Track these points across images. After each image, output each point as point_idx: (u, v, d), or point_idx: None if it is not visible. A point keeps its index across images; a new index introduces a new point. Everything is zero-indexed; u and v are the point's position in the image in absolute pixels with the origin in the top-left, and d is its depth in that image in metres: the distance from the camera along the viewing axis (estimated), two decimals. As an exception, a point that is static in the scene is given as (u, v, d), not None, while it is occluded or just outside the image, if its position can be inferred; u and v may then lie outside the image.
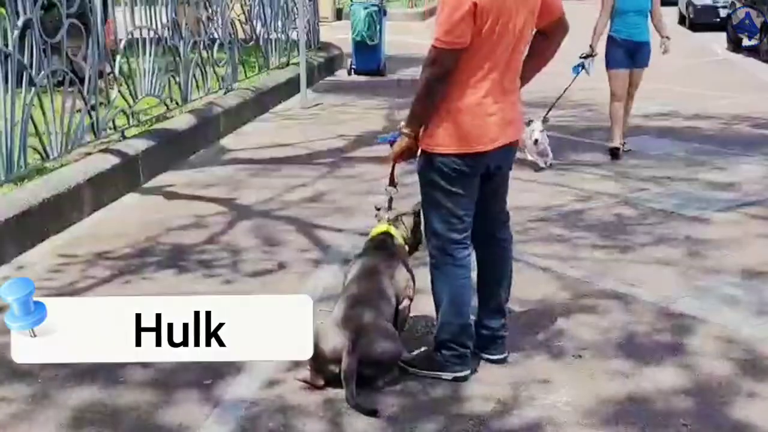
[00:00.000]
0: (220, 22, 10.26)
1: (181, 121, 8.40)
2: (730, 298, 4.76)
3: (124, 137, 7.51)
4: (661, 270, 5.19)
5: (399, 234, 4.19)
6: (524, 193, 6.86)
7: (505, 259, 4.07)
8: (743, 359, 4.06)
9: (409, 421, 3.54)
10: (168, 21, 8.57)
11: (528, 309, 4.61)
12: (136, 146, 7.30)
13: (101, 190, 6.53)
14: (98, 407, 3.65)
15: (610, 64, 8.11)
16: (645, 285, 4.94)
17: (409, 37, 18.93)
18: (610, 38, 8.09)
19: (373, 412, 3.55)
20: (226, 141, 9.00)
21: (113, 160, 6.87)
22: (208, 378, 3.85)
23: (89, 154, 6.91)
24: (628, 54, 8.05)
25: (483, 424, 3.52)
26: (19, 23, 5.99)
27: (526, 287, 4.88)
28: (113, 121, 7.50)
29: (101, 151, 7.03)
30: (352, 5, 14.32)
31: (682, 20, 22.45)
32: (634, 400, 3.70)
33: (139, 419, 3.57)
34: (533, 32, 3.76)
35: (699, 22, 20.81)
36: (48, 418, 3.57)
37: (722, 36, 17.57)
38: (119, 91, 7.64)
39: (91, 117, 7.08)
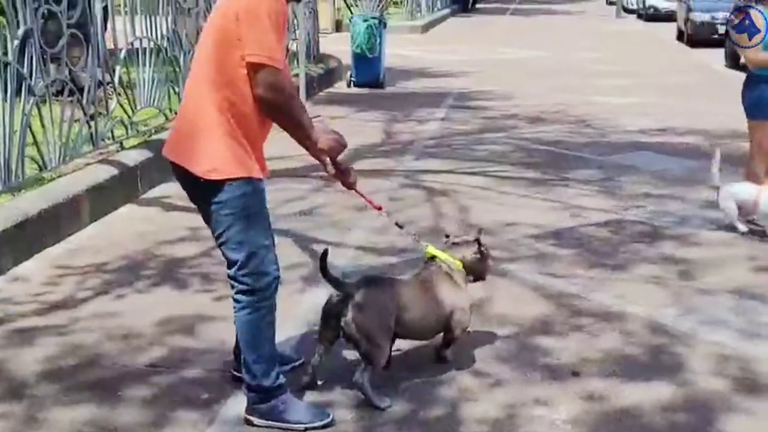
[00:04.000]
0: (220, 33, 10.28)
1: (180, 131, 8.41)
2: (722, 317, 4.78)
3: (123, 148, 7.53)
4: (654, 288, 5.20)
5: (453, 258, 4.11)
6: (517, 210, 6.89)
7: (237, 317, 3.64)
8: (736, 377, 4.08)
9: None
10: (168, 31, 8.61)
11: (521, 326, 4.62)
12: (134, 157, 7.33)
13: (99, 201, 6.54)
14: (95, 425, 3.62)
15: (761, 112, 6.42)
16: (638, 302, 4.95)
17: (409, 50, 19.01)
18: (757, 78, 6.46)
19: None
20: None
21: (111, 171, 6.90)
22: (204, 394, 3.86)
23: (87, 164, 6.93)
24: None
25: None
26: (20, 33, 6.02)
27: (519, 304, 4.91)
28: (112, 132, 7.53)
29: (99, 161, 7.05)
30: (352, 17, 14.36)
31: (680, 36, 22.53)
32: (632, 417, 3.72)
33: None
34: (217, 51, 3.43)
35: (697, 38, 20.88)
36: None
37: (721, 52, 17.61)
38: (118, 102, 7.67)
39: (89, 127, 7.10)
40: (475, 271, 4.21)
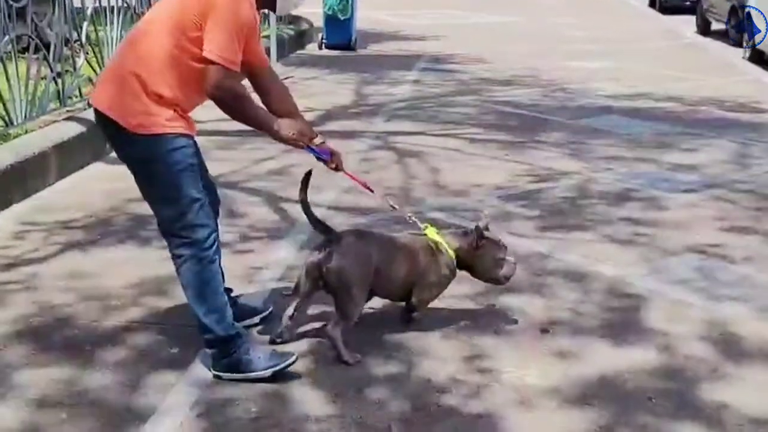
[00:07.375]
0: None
1: (149, 90, 8.32)
2: (690, 277, 4.81)
3: (90, 106, 7.42)
4: (623, 248, 5.23)
5: (448, 245, 4.01)
6: (487, 171, 6.89)
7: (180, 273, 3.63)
8: (706, 337, 4.10)
9: (364, 396, 3.52)
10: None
11: (489, 285, 4.61)
12: (102, 115, 7.23)
13: (66, 158, 6.46)
14: (69, 387, 3.55)
15: None
16: (606, 263, 4.97)
17: (381, 13, 18.90)
18: None
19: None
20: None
21: (79, 129, 6.81)
22: (175, 350, 3.85)
23: (54, 121, 6.84)
24: None
25: (446, 398, 3.52)
26: (-17, -13, 5.92)
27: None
28: (79, 89, 7.44)
29: (66, 119, 6.96)
30: (324, -21, 14.23)
31: (652, 3, 22.56)
32: (603, 377, 3.72)
33: (104, 399, 3.49)
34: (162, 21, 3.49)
35: (669, 5, 20.93)
36: (11, 397, 3.46)
37: (692, 19, 17.66)
38: (86, 59, 7.57)
39: (56, 84, 7.01)
40: (466, 263, 4.08)
